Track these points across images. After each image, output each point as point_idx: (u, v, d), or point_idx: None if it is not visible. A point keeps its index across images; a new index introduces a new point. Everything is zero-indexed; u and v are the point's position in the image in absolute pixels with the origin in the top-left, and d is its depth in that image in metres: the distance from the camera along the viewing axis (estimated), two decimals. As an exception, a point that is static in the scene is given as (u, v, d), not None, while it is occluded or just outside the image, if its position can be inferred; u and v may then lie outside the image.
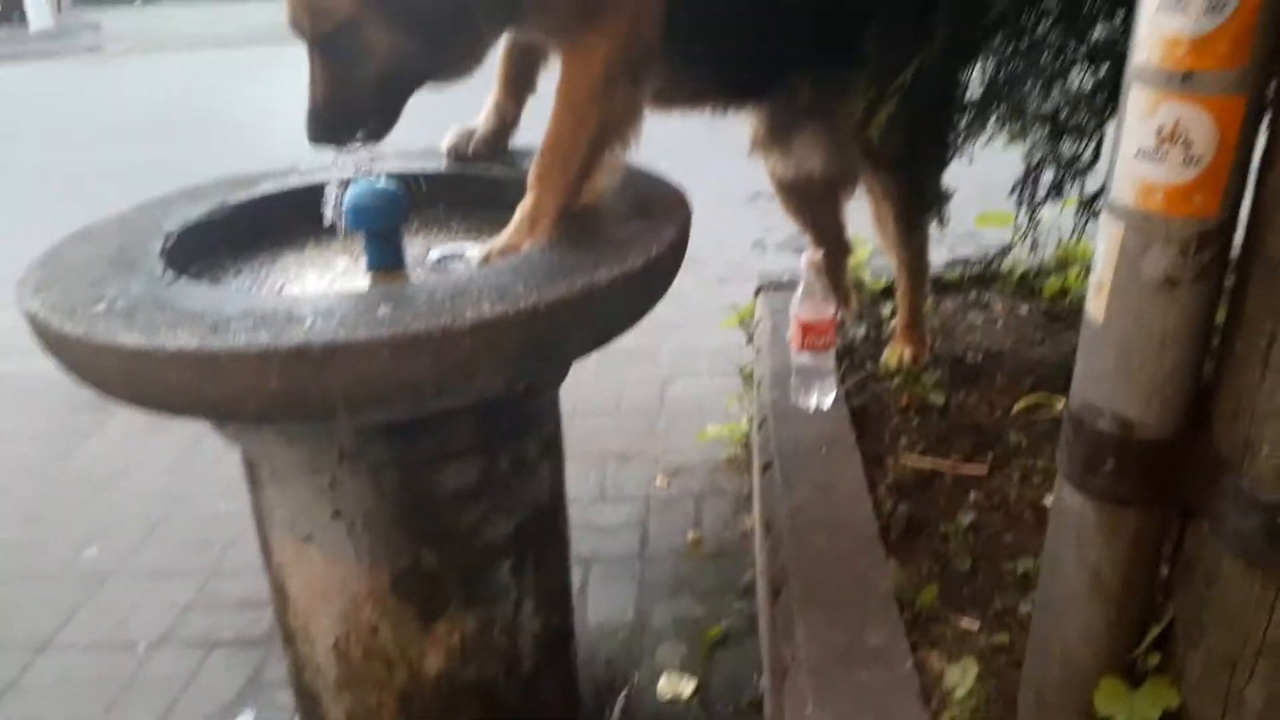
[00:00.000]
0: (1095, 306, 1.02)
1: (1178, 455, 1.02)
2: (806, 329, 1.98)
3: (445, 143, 1.90)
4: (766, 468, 1.92)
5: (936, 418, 2.06)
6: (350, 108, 1.45)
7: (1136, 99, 0.91)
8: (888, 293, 2.63)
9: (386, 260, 1.57)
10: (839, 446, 1.94)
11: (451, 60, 1.50)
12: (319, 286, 1.55)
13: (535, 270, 1.33)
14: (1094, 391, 1.06)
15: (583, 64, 1.54)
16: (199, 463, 3.09)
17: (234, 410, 1.24)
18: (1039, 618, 1.25)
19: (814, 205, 2.28)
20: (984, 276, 2.64)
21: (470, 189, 1.84)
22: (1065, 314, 2.47)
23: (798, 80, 1.88)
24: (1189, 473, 1.02)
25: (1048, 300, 2.55)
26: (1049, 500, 1.76)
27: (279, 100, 9.11)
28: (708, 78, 1.80)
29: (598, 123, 1.54)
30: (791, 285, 2.69)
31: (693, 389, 3.40)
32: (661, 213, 1.55)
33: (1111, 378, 1.02)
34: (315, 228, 1.75)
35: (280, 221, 1.76)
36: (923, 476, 1.88)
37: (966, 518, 1.72)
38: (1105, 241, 0.99)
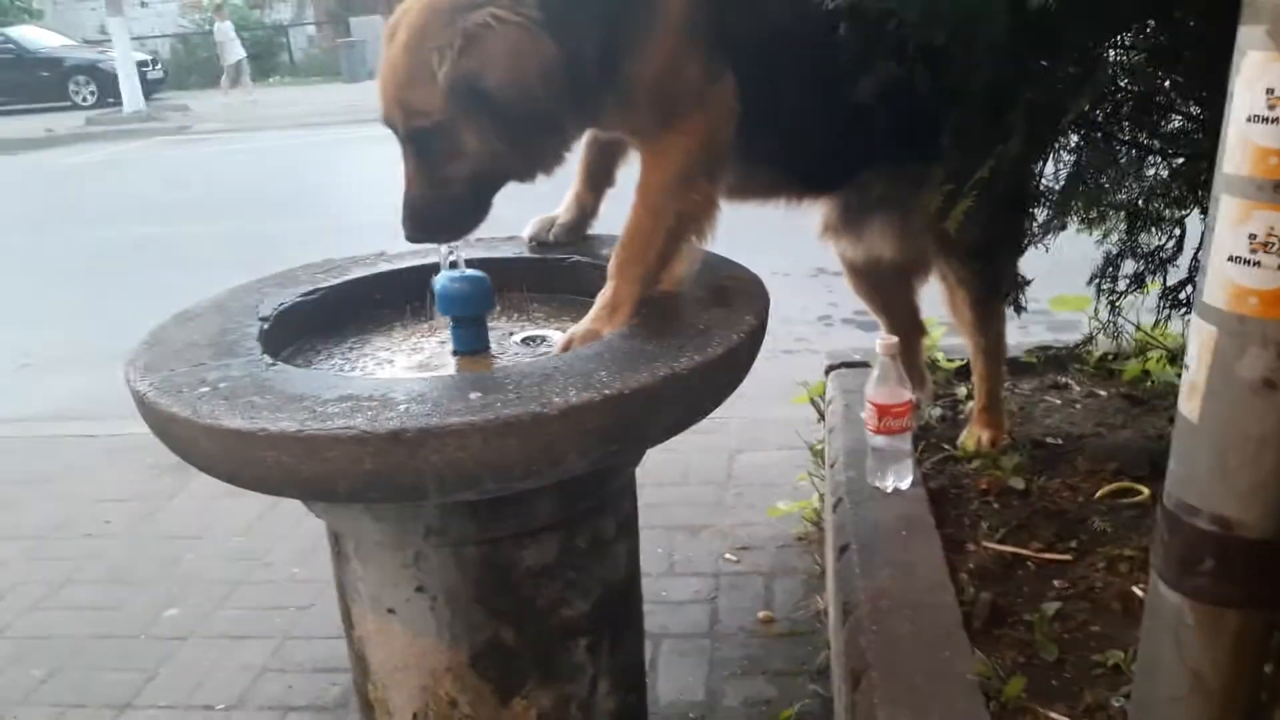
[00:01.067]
0: (1189, 407, 1.01)
1: (1280, 557, 0.99)
2: (883, 412, 1.98)
3: (527, 231, 1.97)
4: (844, 550, 1.90)
5: (1017, 502, 2.02)
6: (443, 205, 1.51)
7: (1227, 206, 0.92)
8: (963, 373, 2.61)
9: (472, 345, 1.62)
10: (918, 530, 1.91)
11: (537, 159, 1.56)
12: (408, 370, 1.60)
13: (618, 357, 1.36)
14: (1190, 490, 1.04)
15: (661, 162, 1.59)
16: (275, 526, 3.16)
17: (327, 490, 1.28)
18: (1136, 716, 1.21)
19: (886, 290, 2.29)
20: (1061, 358, 2.60)
21: (551, 275, 1.90)
22: (1147, 398, 2.41)
23: (871, 174, 1.91)
24: (1293, 575, 1.00)
25: (1127, 384, 2.50)
26: (1138, 590, 1.71)
27: (357, 178, 9.54)
28: (781, 173, 1.85)
29: (675, 216, 1.59)
30: (862, 364, 2.70)
31: (761, 461, 3.38)
32: (740, 300, 1.58)
33: (1208, 477, 1.01)
34: (402, 312, 1.83)
35: (369, 305, 1.83)
36: (1005, 562, 1.84)
37: (1052, 607, 1.68)
38: (1197, 343, 0.98)
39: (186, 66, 25.46)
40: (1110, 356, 2.61)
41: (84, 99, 19.67)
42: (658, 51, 1.53)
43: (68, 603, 2.84)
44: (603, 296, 1.59)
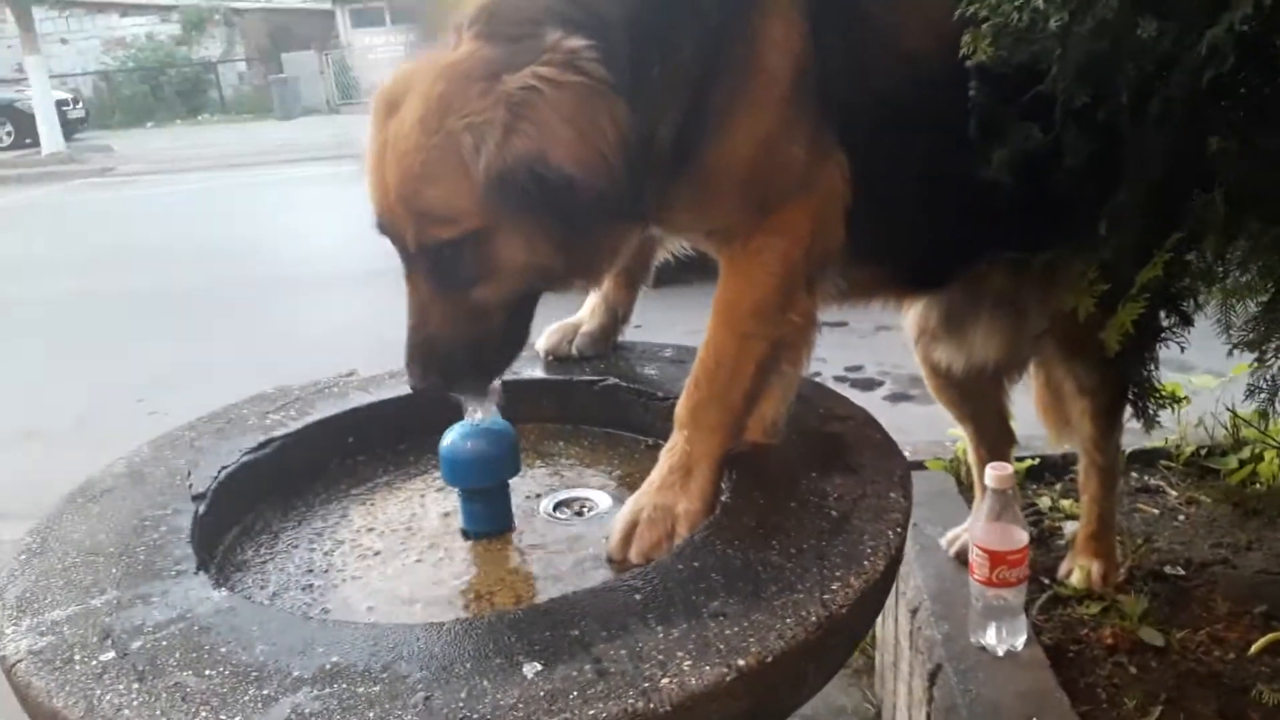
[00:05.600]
0: None
1: None
2: (996, 560, 1.57)
3: (542, 343, 1.53)
4: (961, 747, 1.48)
5: (1156, 662, 1.63)
6: (471, 343, 1.08)
7: None
8: (1036, 474, 2.23)
9: (491, 525, 1.18)
10: (1051, 713, 1.50)
11: (589, 266, 1.14)
12: (404, 566, 1.14)
13: (729, 573, 0.93)
14: None
15: (752, 272, 1.17)
16: None
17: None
18: None
19: (977, 395, 1.88)
20: (1145, 453, 2.23)
21: (577, 402, 1.47)
22: (1261, 508, 2.05)
23: (989, 266, 1.51)
24: None
25: (1232, 488, 2.13)
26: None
27: (295, 223, 8.99)
28: (886, 269, 1.44)
29: (769, 343, 1.17)
30: (916, 464, 2.29)
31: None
32: (866, 457, 1.16)
33: None
34: (384, 460, 1.39)
35: (340, 453, 1.38)
36: (1168, 759, 1.44)
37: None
38: None
39: (110, 105, 24.48)
40: (1202, 451, 2.25)
41: None
42: (755, 125, 1.12)
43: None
44: (670, 455, 1.16)
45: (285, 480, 1.30)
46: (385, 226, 1.07)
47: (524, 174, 0.97)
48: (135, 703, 0.80)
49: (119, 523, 1.11)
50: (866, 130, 1.20)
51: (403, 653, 0.85)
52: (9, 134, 18.70)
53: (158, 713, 0.79)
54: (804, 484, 1.10)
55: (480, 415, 1.15)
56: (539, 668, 0.81)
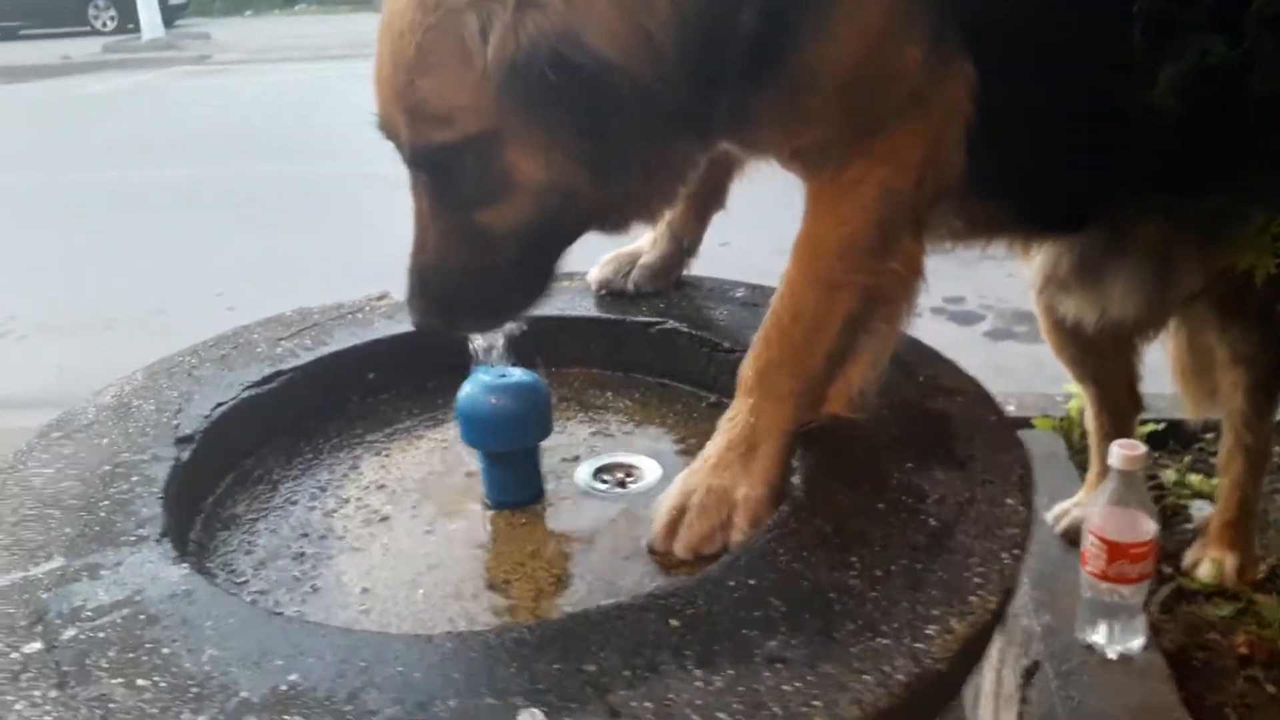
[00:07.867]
0: None
1: None
2: (1116, 552, 1.35)
3: (594, 274, 1.33)
4: (1057, 765, 1.29)
5: (1300, 680, 1.40)
6: (475, 273, 0.89)
7: None
8: (1157, 440, 1.95)
9: (514, 495, 1.00)
10: (1168, 735, 1.29)
11: (641, 193, 0.92)
12: (414, 538, 0.97)
13: (794, 600, 0.73)
14: None
15: (845, 206, 0.94)
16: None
17: None
18: None
19: (1103, 354, 1.59)
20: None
21: (630, 345, 1.26)
22: None
23: (1140, 210, 1.22)
24: None
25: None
26: None
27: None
28: (1014, 208, 1.18)
29: (862, 294, 0.94)
30: (1022, 422, 2.04)
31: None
32: (977, 442, 0.94)
33: None
34: (408, 399, 1.21)
35: (359, 389, 1.22)
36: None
37: None
38: None
39: (212, -9, 24.55)
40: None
41: (104, 24, 18.89)
42: (863, 15, 0.88)
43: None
44: (731, 426, 0.96)
45: (293, 420, 1.14)
46: (383, 123, 0.87)
47: (545, 59, 0.75)
48: (48, 718, 0.65)
49: (89, 467, 0.96)
50: (998, 35, 0.94)
51: (375, 677, 0.68)
52: (112, 19, 18.89)
53: (66, 738, 0.64)
54: (896, 478, 0.88)
55: (493, 362, 0.97)
56: (542, 715, 0.63)
